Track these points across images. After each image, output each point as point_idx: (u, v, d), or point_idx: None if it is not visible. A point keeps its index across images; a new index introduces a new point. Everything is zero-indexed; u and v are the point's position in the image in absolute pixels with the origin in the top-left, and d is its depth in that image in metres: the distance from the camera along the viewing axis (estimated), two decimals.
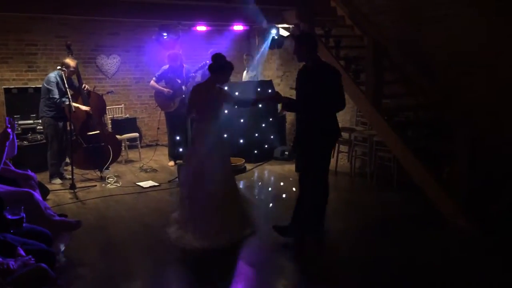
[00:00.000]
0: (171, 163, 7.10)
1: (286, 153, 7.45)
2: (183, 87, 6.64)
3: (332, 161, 6.82)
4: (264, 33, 7.21)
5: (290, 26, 6.92)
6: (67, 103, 5.76)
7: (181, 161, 6.88)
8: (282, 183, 6.27)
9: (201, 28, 7.17)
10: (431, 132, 5.37)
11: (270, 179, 6.64)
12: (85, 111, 6.20)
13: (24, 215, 3.11)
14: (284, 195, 5.77)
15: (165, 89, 6.72)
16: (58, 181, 6.16)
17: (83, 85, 6.29)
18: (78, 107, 6.05)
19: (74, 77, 6.30)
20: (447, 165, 4.72)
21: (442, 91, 5.15)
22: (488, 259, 3.82)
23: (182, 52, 6.86)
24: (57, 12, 5.85)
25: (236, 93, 6.79)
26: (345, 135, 6.87)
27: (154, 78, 6.88)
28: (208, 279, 3.51)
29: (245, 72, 8.32)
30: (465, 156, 4.36)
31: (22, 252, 2.66)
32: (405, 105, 5.90)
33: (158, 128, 7.86)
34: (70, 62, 6.02)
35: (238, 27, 7.24)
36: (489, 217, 4.38)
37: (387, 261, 3.81)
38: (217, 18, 6.69)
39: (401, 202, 5.38)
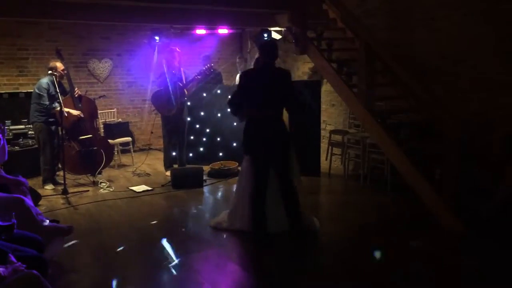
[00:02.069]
0: (168, 172, 6.71)
1: None
2: (185, 90, 6.59)
3: (326, 163, 6.89)
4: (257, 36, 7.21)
5: (283, 29, 6.93)
6: (58, 108, 5.73)
7: (176, 166, 6.84)
8: None
9: (201, 31, 7.13)
10: (423, 134, 5.40)
11: None
12: (77, 115, 6.15)
13: (15, 221, 3.07)
14: None
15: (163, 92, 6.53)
16: (51, 186, 6.11)
17: (75, 89, 6.26)
18: (68, 112, 6.01)
19: (65, 83, 6.26)
20: (439, 167, 4.74)
21: (432, 93, 5.18)
22: (479, 260, 3.84)
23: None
24: (47, 16, 5.80)
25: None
26: (338, 137, 6.90)
27: (157, 85, 6.73)
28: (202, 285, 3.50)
29: (238, 75, 8.32)
30: (454, 157, 4.38)
31: (14, 259, 2.62)
32: (397, 107, 5.93)
33: (152, 133, 7.79)
34: (57, 63, 6.00)
35: (223, 31, 7.23)
36: (480, 218, 4.40)
37: (380, 262, 3.81)
38: (210, 22, 6.68)
39: (394, 204, 5.40)
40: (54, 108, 5.85)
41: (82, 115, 6.20)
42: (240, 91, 4.15)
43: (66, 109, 5.91)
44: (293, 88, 4.19)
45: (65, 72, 6.12)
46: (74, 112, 6.12)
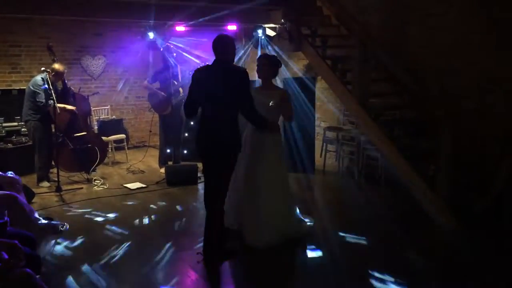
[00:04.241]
0: (162, 170, 6.68)
1: None
2: (180, 89, 6.54)
3: (320, 160, 6.90)
4: (251, 33, 7.19)
5: (277, 26, 6.92)
6: (52, 104, 5.68)
7: (170, 163, 6.81)
8: None
9: (180, 28, 7.00)
10: (417, 130, 5.42)
11: None
12: (70, 112, 6.09)
13: (8, 219, 3.06)
14: None
15: (160, 92, 6.48)
16: (46, 184, 6.06)
17: (69, 87, 6.21)
18: (64, 107, 5.96)
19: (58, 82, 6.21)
20: (433, 163, 4.76)
21: (427, 89, 5.20)
22: (472, 255, 3.87)
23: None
24: (38, 12, 5.74)
25: None
26: (332, 134, 6.91)
27: (147, 79, 6.66)
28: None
29: None
30: (448, 154, 4.40)
31: (6, 256, 2.61)
32: (391, 104, 5.95)
33: (150, 131, 7.75)
34: (60, 68, 5.92)
35: (232, 27, 7.12)
36: (473, 214, 4.43)
37: (374, 259, 3.83)
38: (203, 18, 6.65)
39: (388, 200, 5.43)
40: (49, 105, 5.79)
41: (76, 111, 6.15)
42: (189, 88, 3.76)
43: (61, 105, 5.85)
44: (244, 90, 3.62)
45: (64, 76, 6.06)
46: (69, 106, 6.06)
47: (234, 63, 3.85)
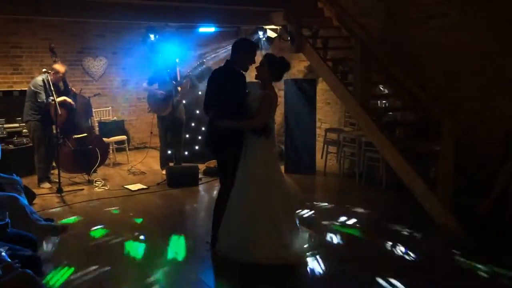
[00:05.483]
0: (164, 171, 6.66)
1: None
2: (179, 88, 6.55)
3: (321, 161, 6.90)
4: (252, 34, 7.20)
5: (278, 27, 6.93)
6: (53, 102, 5.69)
7: (172, 164, 6.81)
8: None
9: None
10: (417, 132, 5.42)
11: None
12: (70, 108, 6.07)
13: (9, 220, 3.06)
14: None
15: (158, 91, 6.48)
16: (47, 185, 6.07)
17: (70, 88, 6.22)
18: (64, 100, 5.93)
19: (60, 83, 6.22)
20: (434, 165, 4.75)
21: (428, 91, 5.20)
22: (472, 257, 3.86)
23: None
24: (40, 14, 5.75)
25: None
26: (333, 135, 6.91)
27: (146, 81, 6.69)
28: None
29: None
30: (450, 156, 4.40)
31: (7, 258, 2.61)
32: (392, 105, 5.95)
33: (151, 133, 7.74)
34: (60, 68, 5.93)
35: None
36: (474, 216, 4.42)
37: (375, 261, 3.83)
38: (205, 19, 6.67)
39: (390, 202, 5.42)
40: (50, 103, 5.78)
41: (75, 106, 6.13)
42: None
43: (60, 98, 5.84)
44: (221, 90, 3.82)
45: (64, 76, 6.07)
46: (69, 99, 6.04)
47: (244, 67, 3.97)
